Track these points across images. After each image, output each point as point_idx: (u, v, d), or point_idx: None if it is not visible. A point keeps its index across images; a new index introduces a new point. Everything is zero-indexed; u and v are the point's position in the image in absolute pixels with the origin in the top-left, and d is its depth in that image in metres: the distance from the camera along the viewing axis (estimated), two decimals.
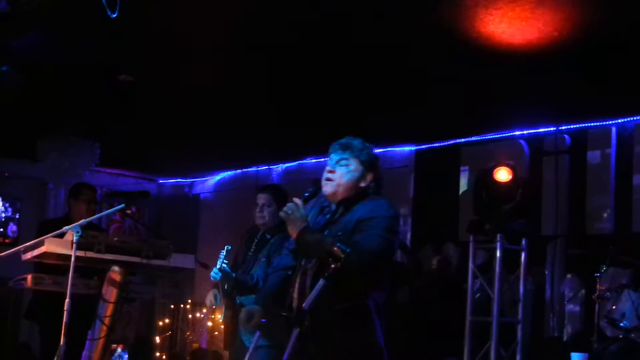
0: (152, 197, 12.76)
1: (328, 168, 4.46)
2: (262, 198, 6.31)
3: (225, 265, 6.09)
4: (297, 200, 4.36)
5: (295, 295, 4.37)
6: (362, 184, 4.43)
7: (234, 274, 6.07)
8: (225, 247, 6.21)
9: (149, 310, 12.76)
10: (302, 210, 4.35)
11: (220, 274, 6.03)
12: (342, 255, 4.10)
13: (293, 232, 4.31)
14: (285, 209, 4.33)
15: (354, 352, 4.26)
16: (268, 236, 6.25)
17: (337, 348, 4.25)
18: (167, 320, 12.11)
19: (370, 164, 4.46)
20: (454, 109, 8.88)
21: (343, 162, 4.43)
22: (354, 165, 4.43)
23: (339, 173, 4.42)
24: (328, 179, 4.43)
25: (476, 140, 9.98)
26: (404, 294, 9.50)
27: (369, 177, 4.45)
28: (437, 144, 10.42)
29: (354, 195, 4.42)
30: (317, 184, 4.48)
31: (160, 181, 13.93)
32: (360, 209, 4.35)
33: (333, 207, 4.46)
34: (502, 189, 8.24)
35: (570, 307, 8.81)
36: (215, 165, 12.78)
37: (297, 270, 4.43)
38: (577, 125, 9.16)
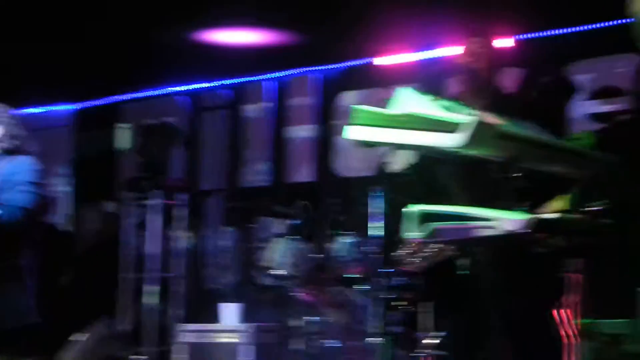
0: None
1: None
2: None
3: None
4: None
5: None
6: None
7: None
8: None
9: None
10: None
11: None
12: None
13: None
14: None
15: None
16: None
17: None
18: None
19: None
20: (112, 67, 8.72)
21: None
22: None
23: None
24: None
25: (136, 98, 9.87)
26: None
27: None
28: (96, 102, 10.17)
29: None
30: None
31: None
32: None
33: None
34: (162, 145, 8.22)
35: (227, 258, 8.98)
36: None
37: None
38: (234, 80, 9.28)
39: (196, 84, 9.44)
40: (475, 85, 4.44)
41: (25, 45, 8.10)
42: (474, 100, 4.38)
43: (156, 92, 9.68)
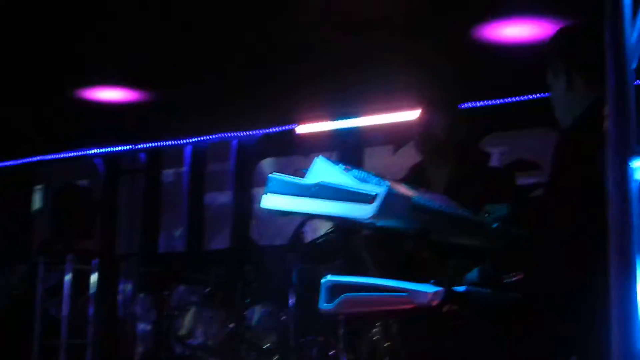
0: None
1: None
2: None
3: None
4: None
5: None
6: None
7: None
8: None
9: None
10: None
11: None
12: None
13: None
14: None
15: None
16: None
17: None
18: None
19: None
20: (27, 127, 8.63)
21: None
22: None
23: None
24: None
25: (52, 159, 9.74)
26: None
27: None
28: (11, 162, 10.01)
29: None
30: None
31: None
32: None
33: None
34: (76, 209, 8.09)
35: (142, 326, 8.83)
36: None
37: None
38: (152, 144, 9.22)
39: (114, 147, 9.36)
40: (436, 152, 4.40)
41: None
42: (434, 167, 4.38)
43: (73, 154, 9.57)
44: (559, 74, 3.41)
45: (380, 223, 3.16)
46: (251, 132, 8.76)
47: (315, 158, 3.28)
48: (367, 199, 3.04)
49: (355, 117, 8.02)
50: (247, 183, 8.74)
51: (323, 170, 3.23)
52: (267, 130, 8.66)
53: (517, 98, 7.27)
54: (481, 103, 7.48)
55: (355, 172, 3.23)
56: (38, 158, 9.79)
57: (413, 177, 4.11)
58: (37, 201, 9.67)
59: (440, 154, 4.40)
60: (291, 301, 6.20)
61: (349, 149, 7.79)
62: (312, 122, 8.24)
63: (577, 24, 3.51)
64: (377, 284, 3.20)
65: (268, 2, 5.95)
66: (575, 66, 3.38)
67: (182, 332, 6.95)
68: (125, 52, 6.89)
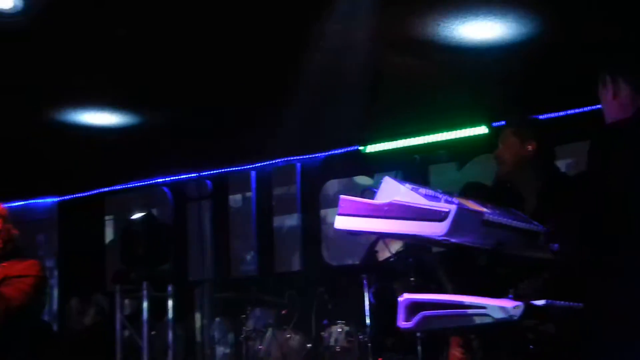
0: None
1: None
2: None
3: None
4: None
5: None
6: None
7: None
8: None
9: None
10: None
11: None
12: None
13: None
14: None
15: None
16: None
17: None
18: None
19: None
20: (96, 158, 8.77)
21: None
22: None
23: None
24: None
25: (120, 189, 9.90)
26: None
27: None
28: (80, 194, 10.18)
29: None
30: None
31: None
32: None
33: None
34: (147, 237, 8.19)
35: (220, 349, 8.90)
36: None
37: None
38: (218, 171, 9.32)
39: (180, 175, 9.48)
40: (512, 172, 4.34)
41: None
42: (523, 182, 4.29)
43: (139, 183, 9.71)
44: (606, 84, 3.51)
45: (453, 240, 3.18)
46: (315, 155, 8.80)
47: (384, 178, 3.32)
48: (439, 216, 3.06)
49: (419, 135, 8.01)
50: (313, 205, 8.78)
51: (392, 189, 3.26)
52: (331, 152, 8.70)
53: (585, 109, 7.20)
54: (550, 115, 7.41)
55: (424, 190, 3.25)
56: (107, 189, 9.93)
57: (502, 188, 4.11)
58: (109, 231, 9.83)
59: (519, 172, 4.30)
60: (368, 320, 6.20)
61: (414, 167, 7.78)
62: (376, 142, 8.23)
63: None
64: (456, 301, 3.21)
65: (335, 24, 5.95)
66: (620, 75, 3.48)
67: (261, 354, 7.00)
68: (188, 80, 6.97)
